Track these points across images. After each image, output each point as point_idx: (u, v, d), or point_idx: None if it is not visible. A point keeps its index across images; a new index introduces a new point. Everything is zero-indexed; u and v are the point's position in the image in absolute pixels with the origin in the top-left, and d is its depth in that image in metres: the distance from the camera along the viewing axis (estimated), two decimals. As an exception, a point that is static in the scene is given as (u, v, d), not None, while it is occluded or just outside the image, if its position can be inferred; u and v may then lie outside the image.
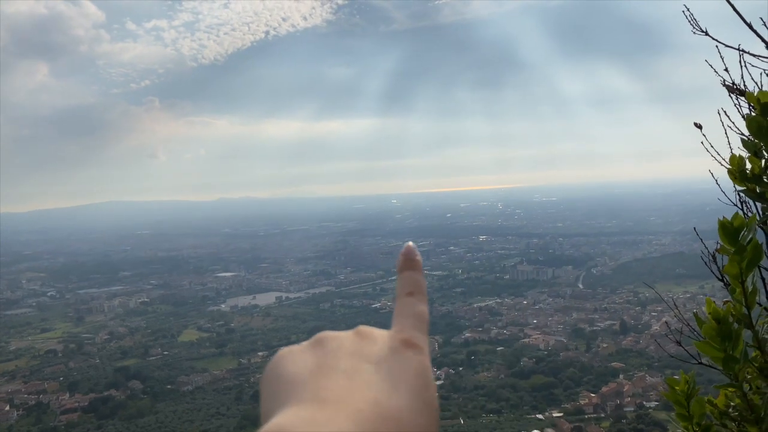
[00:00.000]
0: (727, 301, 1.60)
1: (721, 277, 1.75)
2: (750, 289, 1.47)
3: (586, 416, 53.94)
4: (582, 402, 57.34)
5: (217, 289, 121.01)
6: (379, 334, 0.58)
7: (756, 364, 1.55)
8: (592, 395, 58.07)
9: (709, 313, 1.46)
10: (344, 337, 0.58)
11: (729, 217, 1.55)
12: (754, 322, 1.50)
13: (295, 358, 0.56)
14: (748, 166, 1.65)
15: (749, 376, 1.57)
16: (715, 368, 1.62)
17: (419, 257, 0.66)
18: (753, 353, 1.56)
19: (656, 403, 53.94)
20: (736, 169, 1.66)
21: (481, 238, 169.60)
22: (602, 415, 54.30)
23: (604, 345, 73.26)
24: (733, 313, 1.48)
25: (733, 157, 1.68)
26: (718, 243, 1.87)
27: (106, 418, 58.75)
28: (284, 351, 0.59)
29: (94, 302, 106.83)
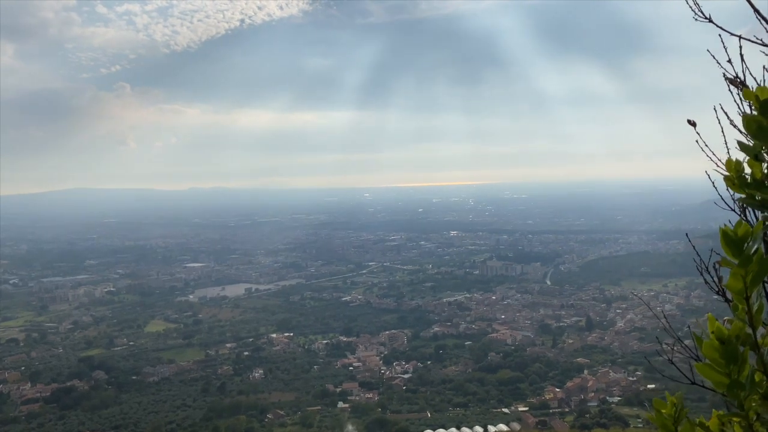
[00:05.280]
0: (729, 319, 1.44)
1: (718, 290, 1.58)
2: (756, 306, 1.33)
3: (550, 410, 54.84)
4: (547, 396, 58.27)
5: (185, 279, 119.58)
6: None
7: (761, 390, 1.39)
8: (557, 390, 59.03)
9: (712, 332, 1.30)
10: None
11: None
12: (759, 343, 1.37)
13: None
14: (747, 170, 1.49)
15: (753, 404, 1.42)
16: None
17: None
18: (755, 378, 1.42)
19: (619, 398, 55.06)
20: (735, 175, 1.49)
21: (452, 233, 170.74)
22: (566, 409, 55.28)
23: (570, 341, 74.45)
24: (738, 334, 1.33)
25: (729, 161, 1.51)
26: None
27: (69, 409, 57.71)
28: None
29: (59, 291, 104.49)
